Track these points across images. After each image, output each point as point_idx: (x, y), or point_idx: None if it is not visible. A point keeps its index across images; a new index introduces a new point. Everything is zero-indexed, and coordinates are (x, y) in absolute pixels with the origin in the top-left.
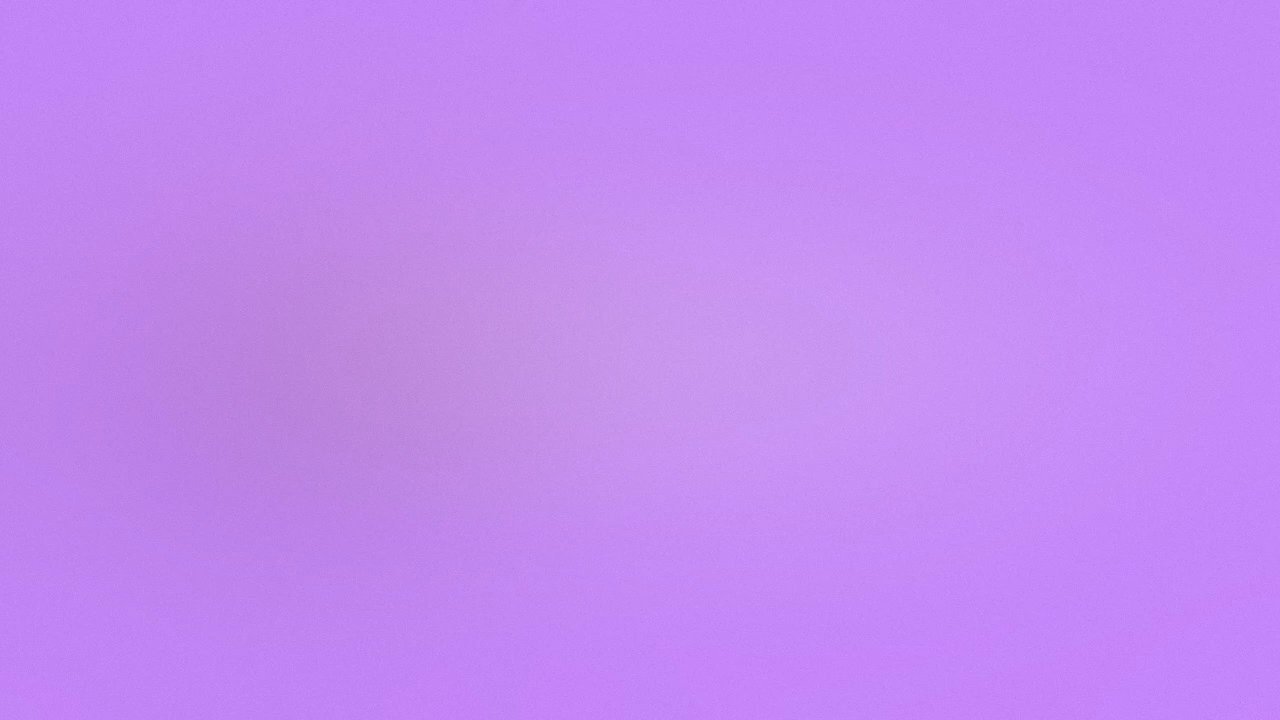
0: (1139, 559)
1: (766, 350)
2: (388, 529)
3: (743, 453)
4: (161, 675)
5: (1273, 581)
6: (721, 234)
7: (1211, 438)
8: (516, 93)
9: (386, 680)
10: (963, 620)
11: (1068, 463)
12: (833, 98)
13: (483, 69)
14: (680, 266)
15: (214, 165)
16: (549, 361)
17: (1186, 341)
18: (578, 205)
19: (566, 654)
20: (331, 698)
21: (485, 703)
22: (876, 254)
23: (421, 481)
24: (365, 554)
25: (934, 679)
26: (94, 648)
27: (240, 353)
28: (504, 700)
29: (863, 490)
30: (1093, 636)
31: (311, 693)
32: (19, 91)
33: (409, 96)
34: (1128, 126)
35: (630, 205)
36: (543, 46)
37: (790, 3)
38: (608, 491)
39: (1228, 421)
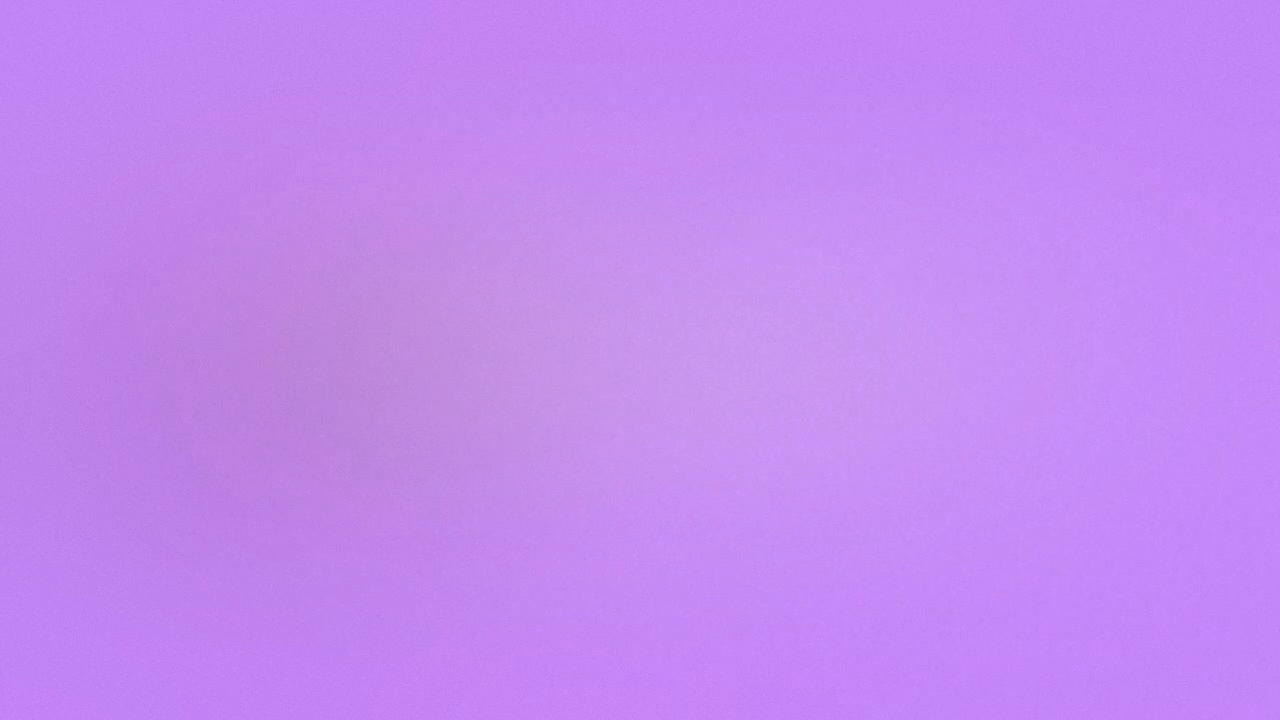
0: (1138, 560)
1: (766, 351)
2: (387, 530)
3: (742, 453)
4: (162, 675)
5: (1272, 581)
6: (722, 234)
7: (1211, 438)
8: (518, 94)
9: (386, 681)
10: (962, 621)
11: (1067, 464)
12: (835, 97)
13: (485, 70)
14: (681, 268)
15: (213, 166)
16: (549, 362)
17: (1186, 343)
18: (578, 206)
19: (566, 654)
20: (332, 697)
21: (486, 703)
22: (876, 254)
23: (421, 482)
24: (365, 555)
25: (934, 680)
26: (94, 647)
27: (240, 353)
28: (504, 700)
29: (863, 491)
30: (1091, 635)
31: (312, 692)
32: (23, 92)
33: (409, 97)
34: (1127, 127)
35: (631, 206)
36: (542, 47)
37: (791, 2)
38: (607, 493)
39: (1228, 422)
